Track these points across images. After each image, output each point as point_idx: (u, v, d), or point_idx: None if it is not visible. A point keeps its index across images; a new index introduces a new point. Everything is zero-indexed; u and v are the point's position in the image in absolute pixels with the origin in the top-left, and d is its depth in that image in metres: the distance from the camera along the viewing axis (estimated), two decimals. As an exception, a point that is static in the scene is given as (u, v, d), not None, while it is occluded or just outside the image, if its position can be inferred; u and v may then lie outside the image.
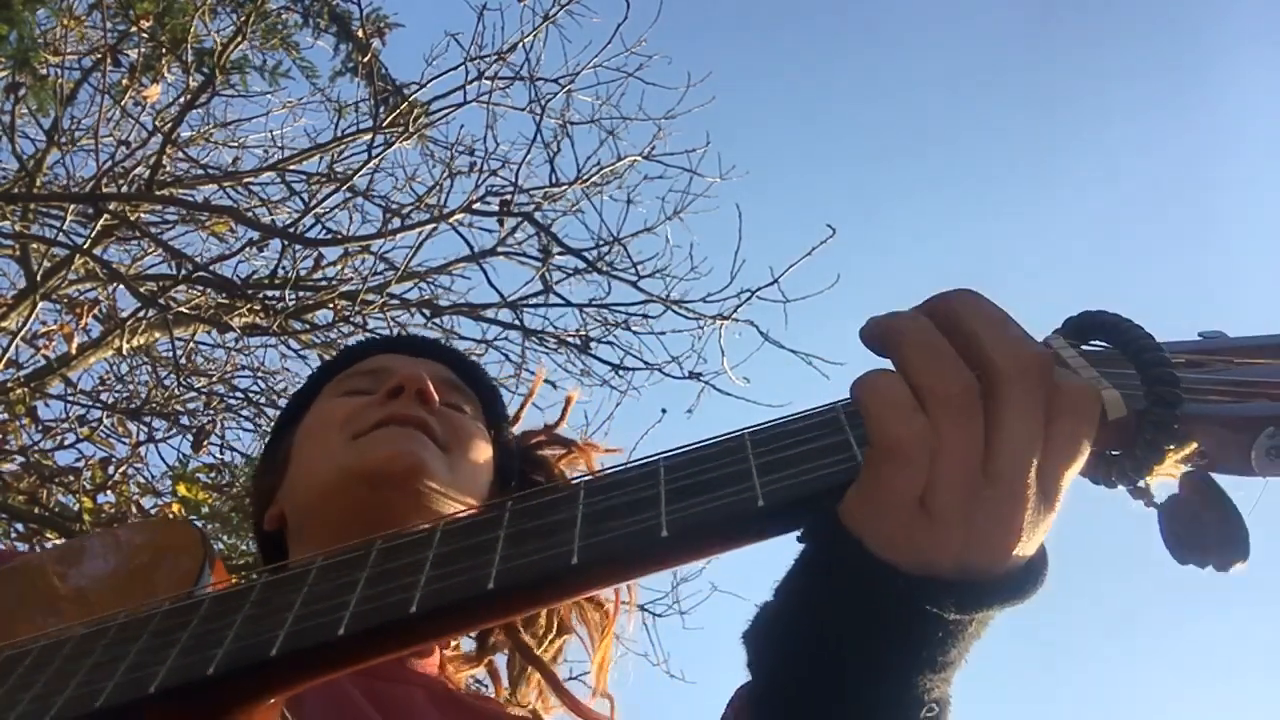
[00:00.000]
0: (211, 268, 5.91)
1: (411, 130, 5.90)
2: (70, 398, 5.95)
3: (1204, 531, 0.62)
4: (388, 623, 0.66)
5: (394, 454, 1.13)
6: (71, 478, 5.64)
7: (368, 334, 5.95)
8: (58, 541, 5.50)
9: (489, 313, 6.26)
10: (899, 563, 0.63)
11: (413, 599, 0.66)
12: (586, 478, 0.77)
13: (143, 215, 6.06)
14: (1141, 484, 0.66)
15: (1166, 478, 0.66)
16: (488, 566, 0.68)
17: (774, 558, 0.72)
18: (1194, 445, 0.64)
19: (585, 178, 6.25)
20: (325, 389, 1.33)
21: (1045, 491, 0.63)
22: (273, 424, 1.52)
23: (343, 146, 6.34)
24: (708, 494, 0.68)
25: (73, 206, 5.59)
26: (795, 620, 0.69)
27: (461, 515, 0.76)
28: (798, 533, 0.68)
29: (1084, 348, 0.72)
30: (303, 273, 6.30)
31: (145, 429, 5.88)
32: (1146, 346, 0.67)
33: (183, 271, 5.89)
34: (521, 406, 1.47)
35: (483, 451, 1.24)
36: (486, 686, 1.26)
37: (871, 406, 0.62)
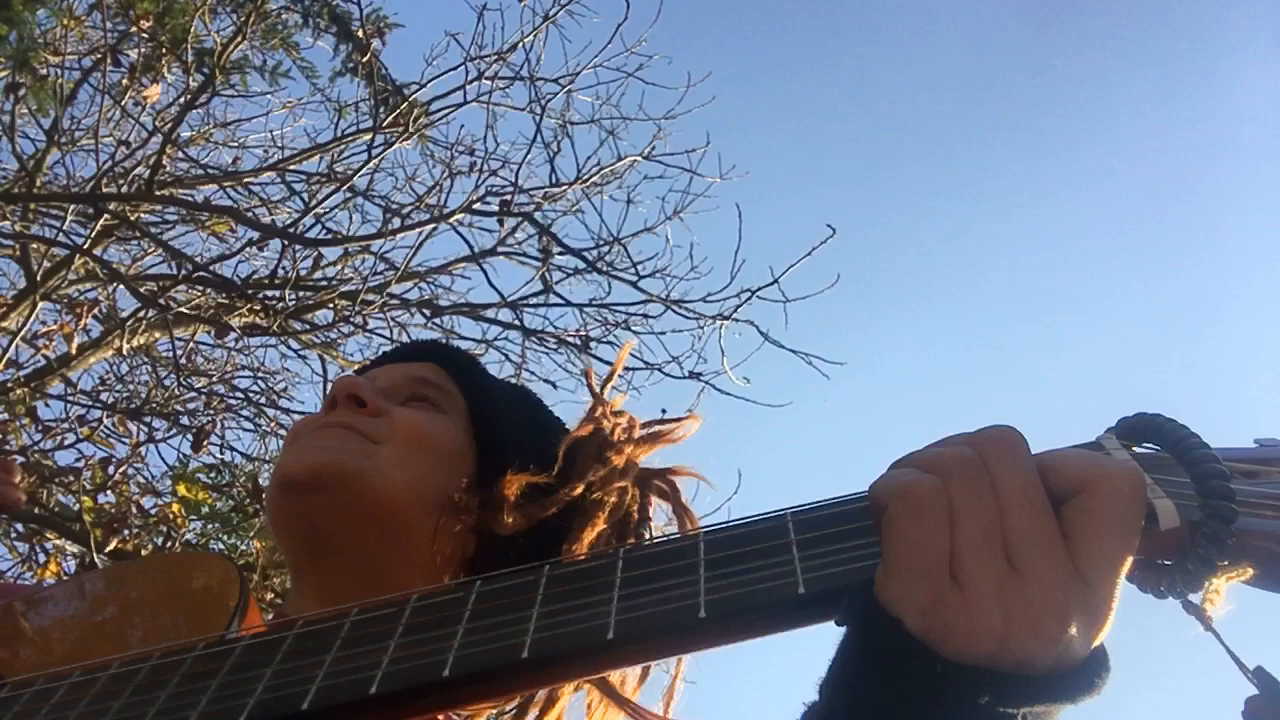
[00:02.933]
0: (211, 268, 5.90)
1: (411, 130, 5.89)
2: (70, 398, 5.94)
3: None
4: (421, 685, 0.67)
5: (298, 458, 1.12)
6: (71, 478, 5.64)
7: (368, 334, 5.95)
8: (58, 542, 5.51)
9: (489, 313, 6.26)
10: (938, 646, 0.62)
11: (446, 662, 0.67)
12: (626, 548, 0.76)
13: (143, 215, 6.05)
14: (1195, 599, 0.66)
15: (1221, 599, 0.65)
16: (523, 636, 0.68)
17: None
18: (1249, 570, 0.64)
19: (585, 178, 6.24)
20: None
21: (1088, 581, 0.63)
22: None
23: (343, 146, 6.35)
24: (748, 577, 0.68)
25: (73, 206, 5.57)
26: (837, 711, 0.66)
27: (497, 576, 0.76)
28: (836, 616, 0.67)
29: (1136, 450, 0.72)
30: (303, 273, 6.30)
31: (145, 429, 5.87)
32: (1202, 457, 0.66)
33: (183, 271, 5.88)
34: (606, 380, 1.34)
35: (439, 444, 1.19)
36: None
37: (886, 476, 0.67)
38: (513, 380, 1.42)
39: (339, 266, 6.48)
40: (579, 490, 1.16)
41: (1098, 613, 0.63)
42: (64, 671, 0.78)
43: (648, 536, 1.19)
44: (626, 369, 6.07)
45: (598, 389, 1.31)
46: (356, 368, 1.45)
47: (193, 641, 0.78)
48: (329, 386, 1.24)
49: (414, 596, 0.75)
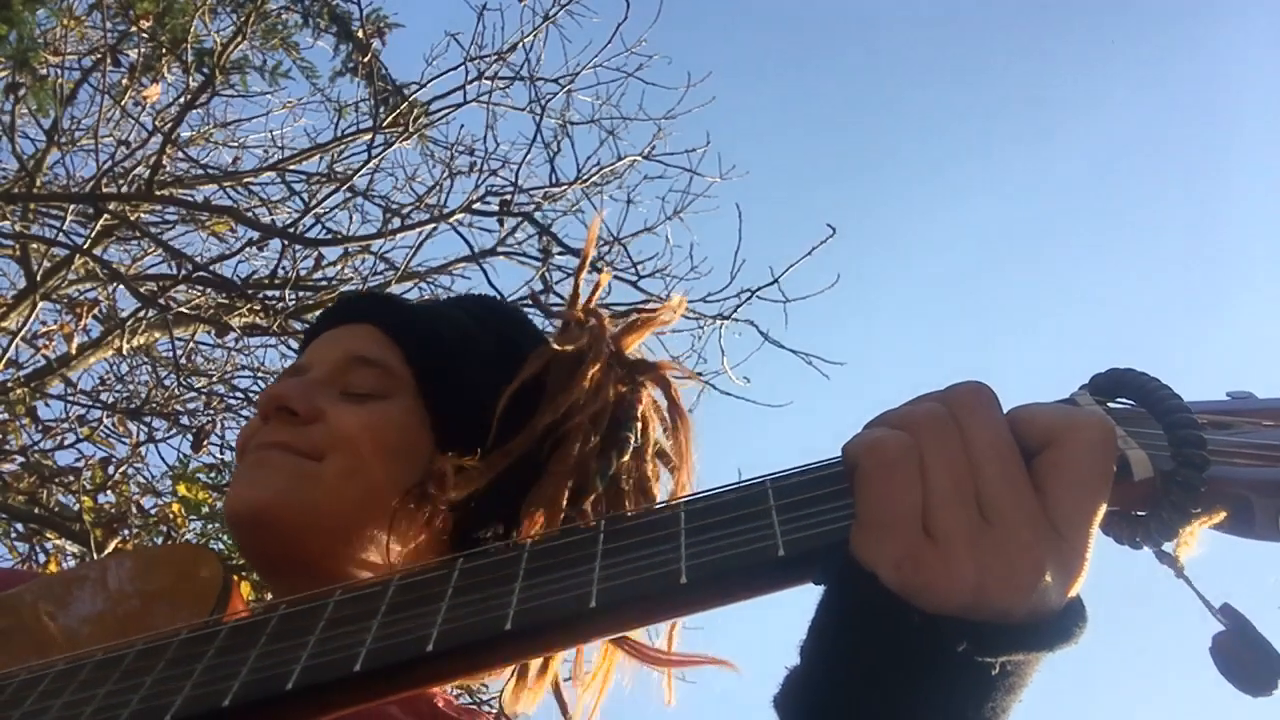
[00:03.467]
0: (211, 268, 5.90)
1: (411, 130, 5.90)
2: (70, 398, 5.94)
3: (1249, 672, 0.62)
4: (405, 660, 0.67)
5: (240, 495, 1.07)
6: (71, 478, 5.63)
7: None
8: (58, 542, 5.51)
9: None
10: (913, 598, 0.62)
11: (430, 637, 0.67)
12: (606, 520, 0.76)
13: (143, 215, 6.05)
14: (1168, 548, 0.66)
15: (1192, 545, 0.66)
16: (505, 609, 0.68)
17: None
18: (1222, 514, 0.64)
19: (585, 178, 6.25)
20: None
21: (1061, 532, 0.63)
22: None
23: (343, 146, 6.35)
24: (728, 542, 0.68)
25: (73, 206, 5.58)
26: (816, 671, 0.67)
27: (480, 552, 0.76)
28: (814, 575, 0.68)
29: (1110, 405, 0.72)
30: (303, 273, 6.30)
31: (145, 429, 5.87)
32: (1174, 407, 0.67)
33: (183, 271, 5.88)
34: (579, 268, 1.25)
35: (386, 441, 1.10)
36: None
37: (857, 435, 0.67)
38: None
39: (339, 266, 6.49)
40: (540, 429, 1.08)
41: (1072, 563, 0.63)
42: (49, 662, 0.78)
43: (633, 439, 1.08)
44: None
45: (573, 299, 1.22)
46: (310, 328, 1.29)
47: (177, 628, 0.78)
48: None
49: (397, 576, 0.75)
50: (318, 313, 1.34)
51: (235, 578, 0.91)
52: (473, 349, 1.19)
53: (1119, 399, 0.73)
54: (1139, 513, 0.68)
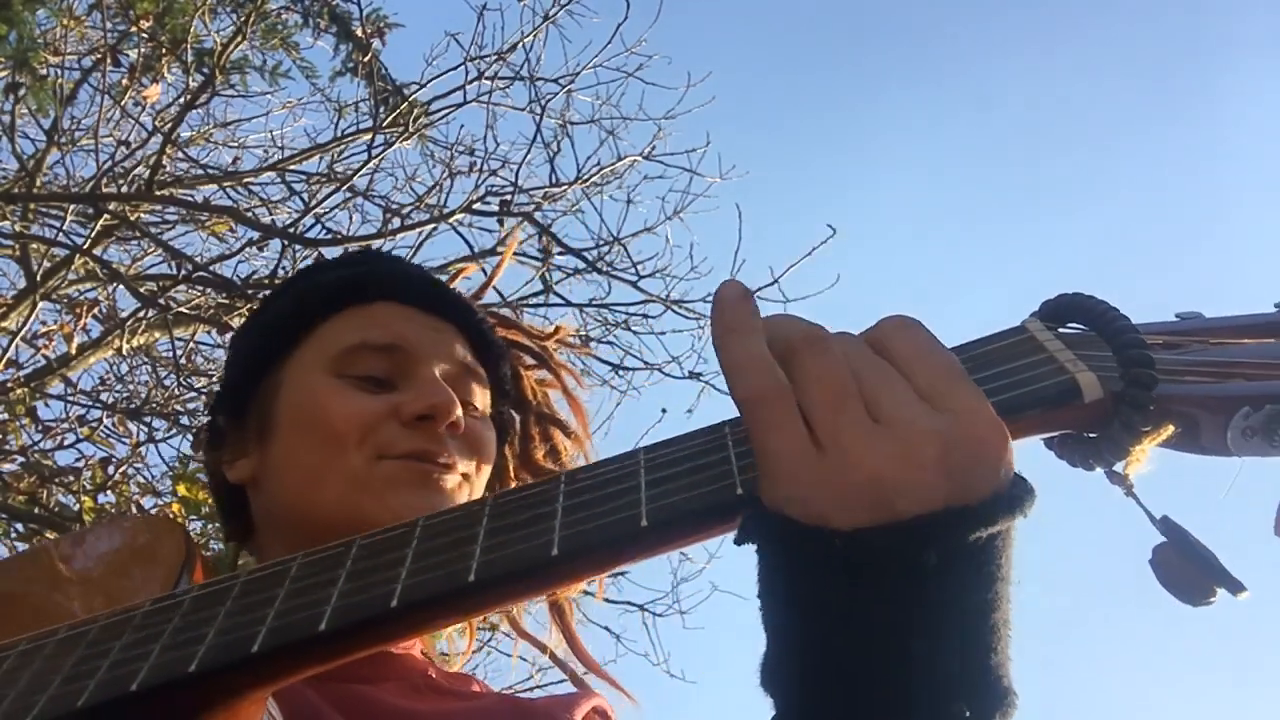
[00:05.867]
0: (211, 268, 5.91)
1: (411, 130, 5.92)
2: (70, 398, 5.95)
3: (1187, 582, 0.62)
4: (370, 617, 0.66)
5: (413, 512, 1.01)
6: (71, 478, 5.64)
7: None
8: (57, 541, 5.50)
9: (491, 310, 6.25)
10: (826, 520, 0.59)
11: (394, 593, 0.66)
12: (566, 472, 0.76)
13: (143, 215, 6.07)
14: (1119, 468, 0.66)
15: (1142, 463, 0.65)
16: (469, 559, 0.67)
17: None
18: (1170, 429, 0.64)
19: (585, 178, 6.26)
20: (320, 335, 1.17)
21: (939, 406, 0.61)
22: (238, 335, 1.33)
23: (343, 146, 6.37)
24: (687, 483, 0.68)
25: (73, 206, 5.60)
26: (777, 635, 0.64)
27: (443, 512, 0.75)
28: (734, 538, 0.65)
29: (1061, 331, 0.72)
30: (302, 273, 6.29)
31: (145, 429, 5.88)
32: (1122, 329, 0.67)
33: (183, 271, 5.89)
34: (485, 284, 1.42)
35: (492, 455, 1.16)
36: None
37: (731, 371, 0.65)
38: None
39: (339, 267, 6.48)
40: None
41: (972, 430, 0.60)
42: (11, 642, 0.77)
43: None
44: (626, 369, 6.08)
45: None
46: (352, 278, 1.23)
47: (140, 600, 0.78)
48: (425, 388, 1.11)
49: (358, 539, 0.75)
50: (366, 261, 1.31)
51: (200, 552, 0.91)
52: (505, 365, 1.28)
53: (1069, 324, 0.73)
54: (1090, 435, 0.67)
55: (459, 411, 1.10)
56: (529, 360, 1.34)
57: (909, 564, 0.58)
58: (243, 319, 5.81)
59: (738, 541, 0.64)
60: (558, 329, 1.38)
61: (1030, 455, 0.68)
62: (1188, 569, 0.61)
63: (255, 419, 1.17)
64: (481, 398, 1.19)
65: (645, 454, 0.73)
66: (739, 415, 0.72)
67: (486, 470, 1.15)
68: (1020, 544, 0.61)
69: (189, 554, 0.87)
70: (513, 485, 1.26)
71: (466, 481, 1.11)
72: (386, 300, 1.19)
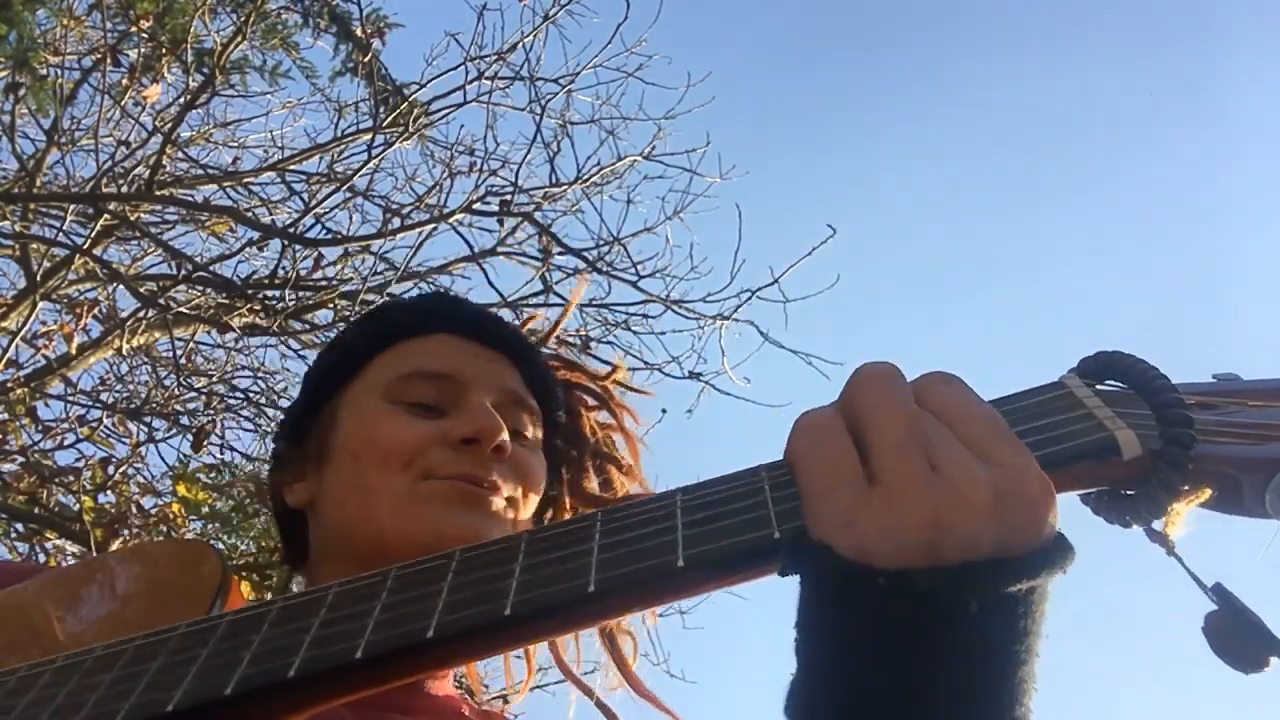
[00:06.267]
0: (211, 268, 5.91)
1: (411, 130, 5.91)
2: (70, 398, 5.94)
3: (1242, 650, 0.62)
4: (406, 646, 0.67)
5: (457, 530, 1.06)
6: (71, 478, 5.64)
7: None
8: (58, 542, 5.51)
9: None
10: (872, 558, 0.59)
11: (430, 625, 0.67)
12: (603, 510, 0.77)
13: (143, 215, 6.06)
14: (1158, 526, 0.67)
15: (1181, 523, 0.66)
16: (505, 595, 0.68)
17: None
18: (1208, 492, 0.65)
19: (585, 178, 6.25)
20: (378, 365, 1.21)
21: (993, 460, 0.62)
22: (310, 368, 1.36)
23: (343, 146, 6.36)
24: (724, 526, 0.69)
25: (73, 206, 5.59)
26: (813, 664, 0.64)
27: (480, 544, 0.76)
28: (777, 569, 0.66)
29: (1099, 388, 0.73)
30: (303, 273, 6.29)
31: (145, 429, 5.87)
32: (1161, 387, 0.68)
33: (183, 271, 5.89)
34: (551, 330, 1.44)
35: (540, 484, 1.19)
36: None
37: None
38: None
39: (339, 266, 6.48)
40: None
41: (1022, 486, 0.61)
42: (48, 660, 0.78)
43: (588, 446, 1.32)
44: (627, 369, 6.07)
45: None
46: (413, 311, 1.30)
47: (176, 623, 0.78)
48: (474, 413, 1.14)
49: (394, 568, 0.76)
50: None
51: (235, 577, 0.92)
52: (558, 399, 1.30)
53: (1108, 381, 0.73)
54: (1128, 491, 0.68)
55: (505, 436, 1.12)
56: (590, 401, 1.37)
57: (950, 609, 0.59)
58: (243, 319, 5.82)
59: (782, 573, 0.65)
60: (616, 368, 1.41)
61: (1069, 511, 0.69)
62: (1241, 637, 0.62)
63: (314, 444, 1.21)
64: (532, 428, 1.21)
65: (683, 495, 0.73)
66: (779, 460, 0.73)
67: (534, 499, 1.17)
68: (1054, 600, 0.63)
69: (224, 578, 0.88)
70: (567, 517, 1.28)
71: (511, 506, 1.13)
72: (443, 332, 1.24)
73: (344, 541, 1.13)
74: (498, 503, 1.12)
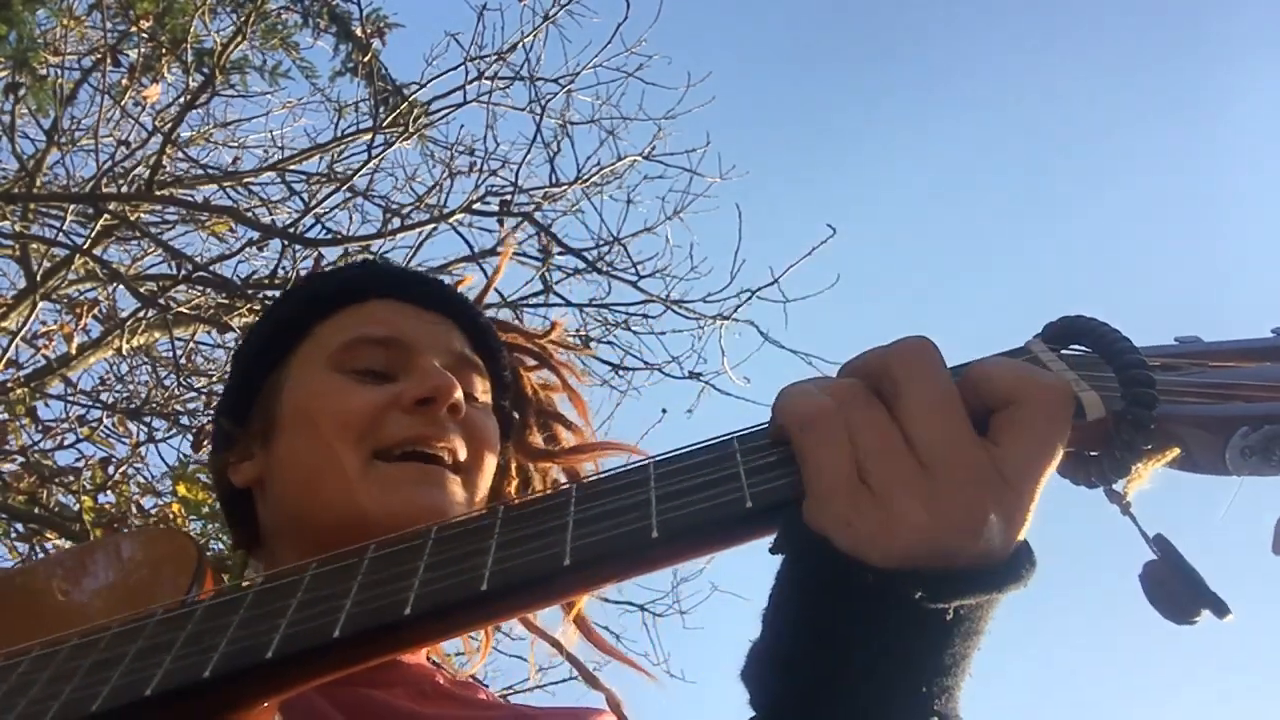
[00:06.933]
0: (211, 268, 5.90)
1: (411, 130, 5.92)
2: (70, 398, 5.95)
3: (1174, 600, 0.64)
4: (384, 625, 0.67)
5: (414, 509, 1.03)
6: (71, 478, 5.64)
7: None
8: (58, 542, 5.51)
9: (489, 313, 6.23)
10: (866, 555, 0.63)
11: (407, 601, 0.67)
12: (577, 484, 0.77)
13: (143, 215, 6.07)
14: (1118, 488, 0.67)
15: (1143, 483, 0.67)
16: (481, 569, 0.68)
17: (772, 562, 0.72)
18: (1176, 451, 0.66)
19: (585, 178, 6.26)
20: (319, 334, 1.18)
21: (1007, 479, 0.64)
22: (241, 341, 1.32)
23: (343, 146, 6.38)
24: (697, 497, 0.69)
25: (73, 206, 5.60)
26: (782, 640, 0.68)
27: (455, 521, 0.76)
28: (770, 546, 0.68)
29: (1064, 352, 0.73)
30: (303, 273, 6.30)
31: (145, 429, 5.87)
32: (1124, 349, 0.69)
33: (183, 271, 5.89)
34: (485, 288, 1.41)
35: (495, 445, 1.16)
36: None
37: (783, 398, 0.69)
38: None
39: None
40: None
41: (1015, 510, 0.64)
42: (25, 648, 0.78)
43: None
44: (626, 369, 6.09)
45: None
46: (347, 277, 1.27)
47: (152, 609, 0.78)
48: (425, 374, 1.11)
49: (371, 546, 0.76)
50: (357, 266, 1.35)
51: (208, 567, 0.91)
52: (503, 358, 1.28)
53: (1072, 346, 0.74)
54: (1092, 452, 0.69)
55: (459, 395, 1.10)
56: (530, 361, 1.36)
57: (928, 612, 0.63)
58: (243, 319, 5.82)
59: (773, 550, 0.67)
60: (554, 326, 1.40)
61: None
62: (1175, 588, 0.63)
63: (258, 420, 1.17)
64: (482, 389, 1.19)
65: (655, 465, 0.74)
66: (751, 428, 0.73)
67: (489, 462, 1.15)
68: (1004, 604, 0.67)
69: (200, 564, 0.88)
70: (514, 480, 1.26)
71: (468, 476, 1.11)
72: (382, 298, 1.20)
73: (297, 519, 1.09)
74: (453, 478, 1.09)
